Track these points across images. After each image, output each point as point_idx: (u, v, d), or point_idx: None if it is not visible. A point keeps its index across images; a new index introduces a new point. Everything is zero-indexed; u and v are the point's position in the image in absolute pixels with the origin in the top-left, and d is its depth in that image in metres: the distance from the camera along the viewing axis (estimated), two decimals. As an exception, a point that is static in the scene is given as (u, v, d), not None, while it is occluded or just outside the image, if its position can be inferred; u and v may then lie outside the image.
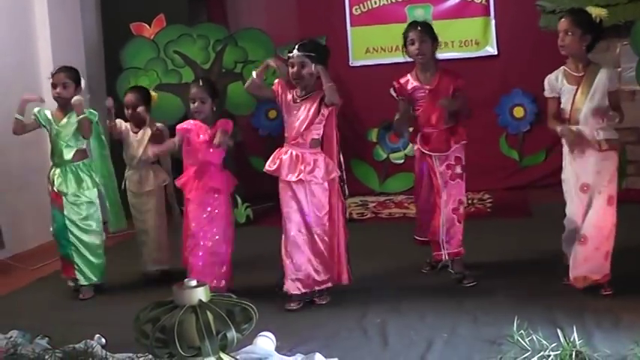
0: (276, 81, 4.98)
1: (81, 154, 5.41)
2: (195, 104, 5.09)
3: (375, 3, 8.69)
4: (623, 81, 7.08)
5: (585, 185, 4.64)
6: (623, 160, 7.01)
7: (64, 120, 5.34)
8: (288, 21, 8.79)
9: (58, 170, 5.36)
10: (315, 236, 4.83)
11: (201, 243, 5.08)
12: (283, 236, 4.91)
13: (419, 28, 5.13)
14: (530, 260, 5.42)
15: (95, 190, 5.45)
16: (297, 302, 4.85)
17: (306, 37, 8.12)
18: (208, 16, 8.71)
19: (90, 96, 6.32)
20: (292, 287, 4.84)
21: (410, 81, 5.21)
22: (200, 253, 5.08)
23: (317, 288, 4.88)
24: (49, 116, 5.37)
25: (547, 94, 4.78)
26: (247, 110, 7.92)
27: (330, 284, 4.92)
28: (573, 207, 4.74)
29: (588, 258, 4.65)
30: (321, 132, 4.87)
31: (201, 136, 5.04)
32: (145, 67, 7.50)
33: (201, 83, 5.16)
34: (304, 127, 4.81)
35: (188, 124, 5.14)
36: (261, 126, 8.69)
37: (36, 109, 5.39)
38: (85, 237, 5.38)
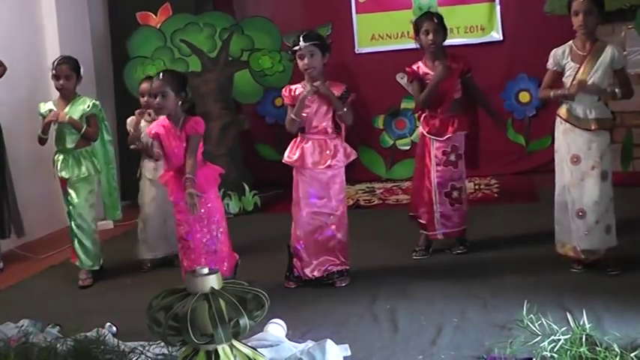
0: (283, 91, 4.96)
1: (84, 141, 5.45)
2: (157, 99, 4.57)
3: (381, -11, 8.65)
4: (629, 65, 6.93)
5: (575, 157, 4.73)
6: (629, 143, 7.22)
7: (67, 109, 5.37)
8: (294, 9, 8.79)
9: (61, 157, 5.43)
10: (331, 218, 4.90)
11: (192, 245, 4.70)
12: (294, 224, 4.95)
13: (435, 20, 5.26)
14: (538, 245, 5.36)
15: (95, 176, 5.51)
16: (296, 282, 4.98)
17: (312, 25, 8.25)
18: (214, 4, 8.61)
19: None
20: (309, 272, 4.93)
21: (420, 67, 5.34)
22: (192, 256, 4.71)
23: (335, 269, 4.92)
24: (53, 106, 5.43)
25: (549, 66, 4.85)
26: (254, 98, 7.93)
27: (348, 266, 4.98)
28: (563, 178, 4.82)
29: (590, 230, 4.69)
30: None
31: (175, 150, 4.60)
32: (151, 56, 7.46)
33: (161, 76, 4.64)
34: (321, 117, 4.84)
35: (158, 127, 4.66)
36: (267, 114, 8.74)
37: (42, 109, 5.45)
38: (81, 222, 5.42)
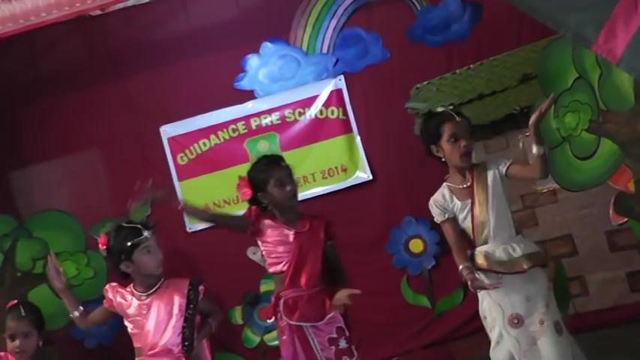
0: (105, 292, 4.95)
1: None
2: (17, 342, 4.91)
3: (205, 145, 8.06)
4: (538, 181, 6.98)
5: (515, 317, 4.65)
6: (562, 279, 7.02)
7: None
8: (99, 191, 8.33)
9: None
10: None
11: None
12: None
13: (287, 166, 5.09)
14: None
15: None
16: None
17: (123, 206, 7.66)
18: (-12, 204, 8.07)
19: None
20: None
21: (270, 223, 5.12)
22: None
23: None
24: None
25: (439, 219, 4.88)
26: (62, 320, 7.08)
27: None
28: (503, 351, 4.74)
29: None
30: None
31: None
32: None
33: (23, 313, 4.97)
34: (163, 329, 4.81)
35: None
36: (85, 336, 7.88)
37: None
38: None
